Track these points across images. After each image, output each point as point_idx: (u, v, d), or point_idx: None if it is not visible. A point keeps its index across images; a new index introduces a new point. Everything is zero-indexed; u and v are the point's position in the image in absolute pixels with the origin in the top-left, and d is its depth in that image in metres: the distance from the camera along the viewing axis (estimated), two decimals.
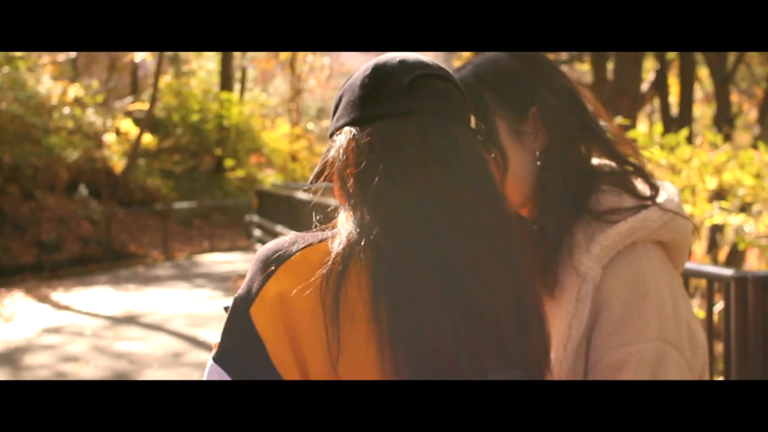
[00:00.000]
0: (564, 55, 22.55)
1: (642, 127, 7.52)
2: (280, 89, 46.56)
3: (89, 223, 22.33)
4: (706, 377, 1.98)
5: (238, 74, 36.64)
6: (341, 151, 1.64)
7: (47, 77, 23.13)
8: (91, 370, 10.23)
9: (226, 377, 1.54)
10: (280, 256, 1.58)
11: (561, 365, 1.88)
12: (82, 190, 22.78)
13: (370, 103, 1.66)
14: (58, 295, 16.64)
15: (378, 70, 1.68)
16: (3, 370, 10.25)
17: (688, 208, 6.86)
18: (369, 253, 1.54)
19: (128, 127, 27.01)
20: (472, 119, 1.75)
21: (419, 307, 1.51)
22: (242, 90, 36.86)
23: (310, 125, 43.01)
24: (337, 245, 1.57)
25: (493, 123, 1.96)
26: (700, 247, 13.43)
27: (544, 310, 1.70)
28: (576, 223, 1.95)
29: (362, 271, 1.54)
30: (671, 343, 1.85)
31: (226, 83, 32.56)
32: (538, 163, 1.97)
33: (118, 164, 25.43)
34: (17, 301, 15.84)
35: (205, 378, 1.57)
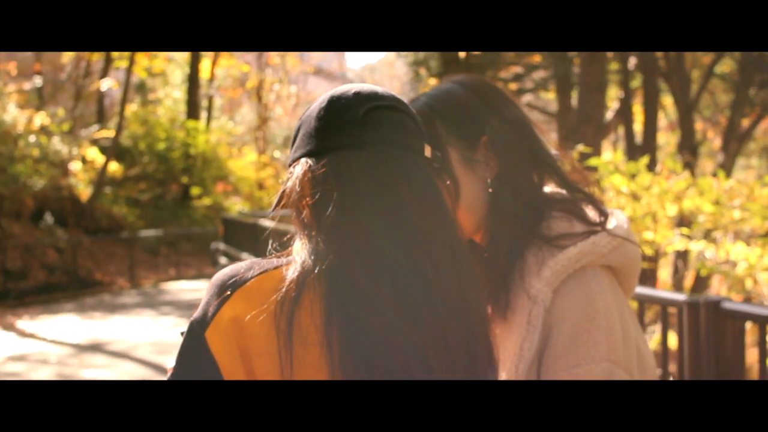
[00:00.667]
0: (529, 83, 22.72)
1: (607, 155, 7.56)
2: (247, 117, 46.52)
3: (55, 251, 22.17)
4: None
5: (204, 103, 36.54)
6: (297, 181, 1.68)
7: (12, 105, 23.02)
8: None
9: None
10: (235, 282, 1.63)
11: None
12: (48, 218, 22.63)
13: (326, 134, 1.70)
14: (24, 323, 16.50)
15: (333, 103, 1.72)
16: None
17: (649, 235, 6.95)
18: (322, 280, 1.59)
19: (94, 155, 26.88)
20: (428, 148, 1.79)
21: (370, 334, 1.56)
22: (209, 118, 36.74)
23: (277, 153, 42.92)
24: (291, 272, 1.61)
25: (445, 152, 2.00)
26: (665, 272, 13.55)
27: (492, 333, 1.75)
28: (527, 248, 1.99)
29: (315, 297, 1.58)
30: (620, 364, 1.88)
31: (192, 111, 32.50)
32: (490, 190, 2.03)
33: (84, 192, 25.29)
34: None
35: None
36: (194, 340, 1.61)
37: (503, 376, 1.94)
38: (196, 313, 1.64)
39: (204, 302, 1.64)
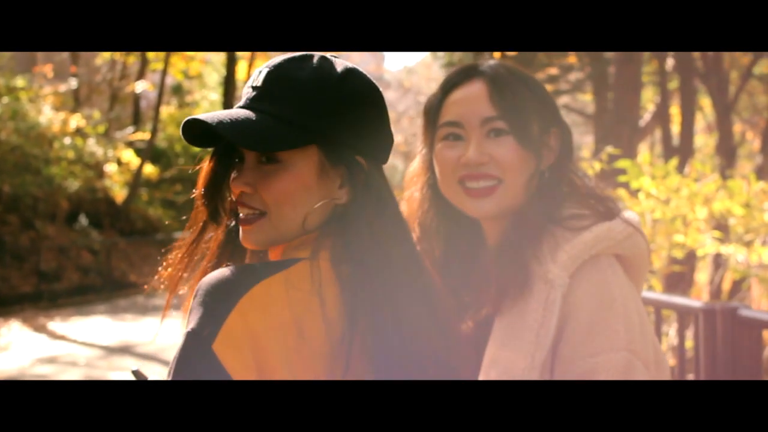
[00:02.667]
0: (564, 85, 22.57)
1: (642, 157, 7.48)
2: None
3: (89, 252, 22.27)
4: None
5: None
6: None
7: (48, 107, 23.12)
8: None
9: None
10: (238, 288, 1.57)
11: (529, 376, 1.89)
12: (83, 220, 22.73)
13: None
14: (55, 324, 16.54)
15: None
16: None
17: (679, 238, 6.80)
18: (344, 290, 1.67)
19: (130, 157, 26.97)
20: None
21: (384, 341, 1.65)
22: None
23: None
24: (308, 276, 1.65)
25: (530, 125, 2.10)
26: (703, 276, 13.34)
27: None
28: (543, 233, 2.02)
29: (335, 302, 1.64)
30: (638, 356, 1.87)
31: None
32: (546, 175, 2.13)
33: (120, 194, 25.39)
34: (14, 330, 15.74)
35: None
36: (200, 354, 1.51)
37: (519, 365, 1.90)
38: (193, 324, 1.53)
39: (201, 312, 1.54)
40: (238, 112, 1.71)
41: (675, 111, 21.97)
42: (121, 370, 11.88)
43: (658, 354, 1.98)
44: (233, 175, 1.78)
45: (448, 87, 2.17)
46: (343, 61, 1.80)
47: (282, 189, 1.72)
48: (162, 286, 1.89)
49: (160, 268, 1.89)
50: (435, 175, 2.18)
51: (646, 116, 19.70)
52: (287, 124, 1.69)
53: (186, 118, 1.68)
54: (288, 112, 1.70)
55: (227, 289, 1.57)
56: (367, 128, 1.79)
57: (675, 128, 21.22)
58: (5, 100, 20.94)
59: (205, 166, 1.82)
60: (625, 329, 1.87)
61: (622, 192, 6.75)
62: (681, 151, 17.52)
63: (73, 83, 27.27)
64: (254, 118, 1.69)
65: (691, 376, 3.83)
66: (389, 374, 1.63)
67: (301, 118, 1.70)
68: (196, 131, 1.73)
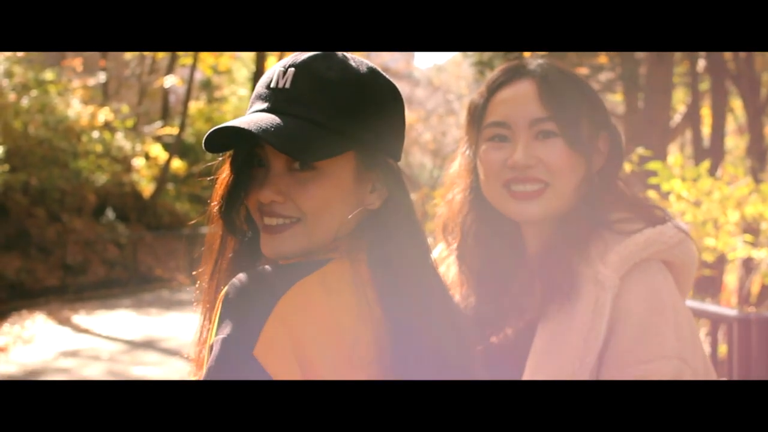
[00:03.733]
0: (595, 85, 22.42)
1: (671, 158, 7.44)
2: None
3: (116, 246, 22.34)
4: None
5: None
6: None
7: (77, 101, 23.21)
8: None
9: None
10: (274, 291, 1.52)
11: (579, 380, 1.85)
12: (110, 213, 22.80)
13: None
14: (80, 318, 16.59)
15: None
16: None
17: (710, 242, 6.72)
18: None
19: (158, 151, 27.06)
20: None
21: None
22: None
23: None
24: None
25: (580, 126, 2.05)
26: (732, 278, 13.22)
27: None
28: (592, 235, 1.99)
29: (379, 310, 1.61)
30: (689, 364, 1.83)
31: None
32: (595, 180, 2.08)
33: (147, 188, 25.48)
34: (38, 323, 15.77)
35: None
36: (239, 361, 1.46)
37: (566, 370, 1.86)
38: (227, 331, 1.48)
39: (235, 318, 1.49)
40: (273, 118, 1.61)
41: (706, 112, 21.82)
42: (143, 365, 11.87)
43: (707, 363, 1.93)
44: (257, 183, 1.70)
45: (494, 86, 2.11)
46: (362, 59, 1.73)
47: (321, 196, 1.65)
48: (195, 304, 1.91)
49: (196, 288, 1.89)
50: (478, 177, 2.12)
51: (677, 117, 19.55)
52: (327, 130, 1.62)
53: (222, 124, 1.61)
54: (323, 117, 1.63)
55: (261, 292, 1.52)
56: (394, 129, 1.73)
57: (705, 130, 21.06)
58: (34, 93, 21.01)
59: (223, 176, 1.76)
60: (676, 336, 1.83)
61: (652, 194, 6.66)
62: (712, 153, 17.37)
63: (102, 77, 27.37)
64: (296, 125, 1.60)
65: None
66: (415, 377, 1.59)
67: (338, 123, 1.63)
68: (223, 137, 1.65)
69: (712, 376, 1.93)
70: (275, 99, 1.66)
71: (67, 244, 20.49)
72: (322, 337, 1.51)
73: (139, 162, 25.63)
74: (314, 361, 1.50)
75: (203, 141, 1.64)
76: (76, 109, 22.68)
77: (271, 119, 1.60)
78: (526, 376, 1.92)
